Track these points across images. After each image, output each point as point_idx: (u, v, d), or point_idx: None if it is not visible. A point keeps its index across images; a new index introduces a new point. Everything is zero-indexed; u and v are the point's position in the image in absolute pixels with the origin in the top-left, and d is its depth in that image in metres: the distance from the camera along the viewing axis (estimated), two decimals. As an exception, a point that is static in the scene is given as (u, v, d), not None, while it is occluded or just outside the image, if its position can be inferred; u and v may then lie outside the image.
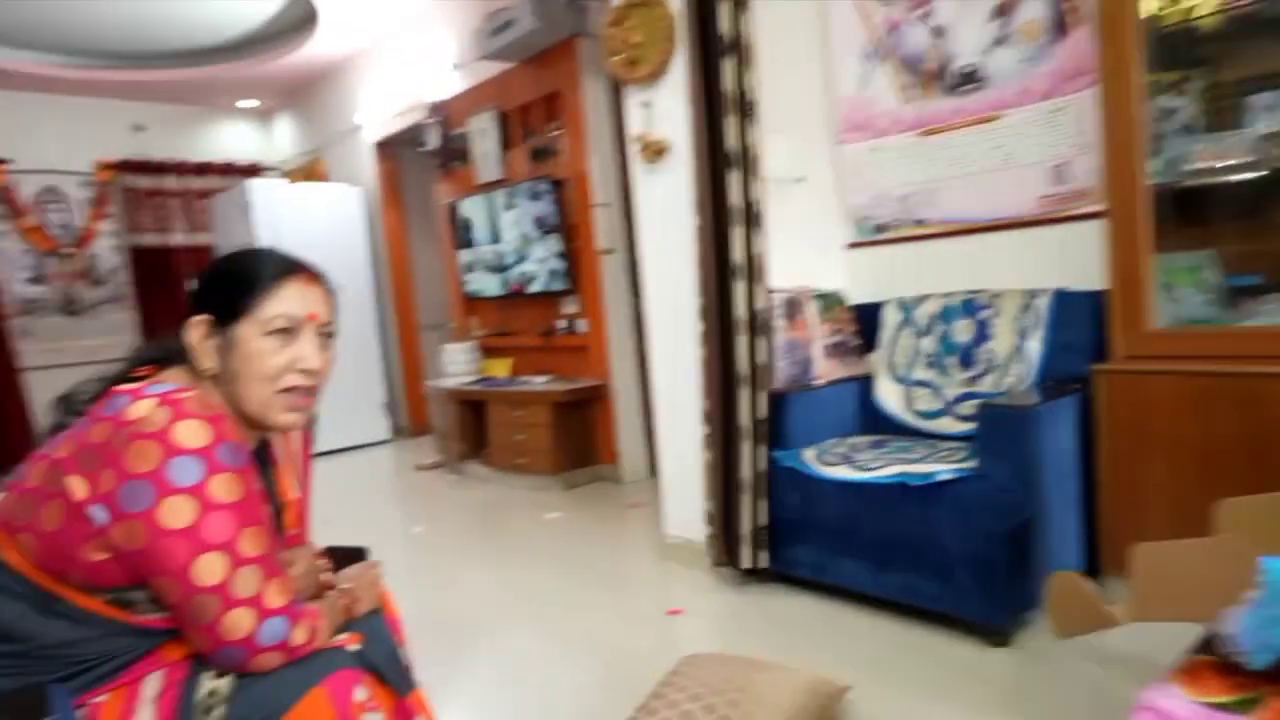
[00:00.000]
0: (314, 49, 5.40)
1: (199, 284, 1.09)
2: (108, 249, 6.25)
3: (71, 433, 0.95)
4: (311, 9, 4.82)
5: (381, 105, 5.49)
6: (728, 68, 2.32)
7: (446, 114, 4.81)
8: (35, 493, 0.92)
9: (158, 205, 6.34)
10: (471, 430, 4.65)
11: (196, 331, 1.04)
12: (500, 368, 4.80)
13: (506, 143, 4.44)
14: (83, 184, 6.10)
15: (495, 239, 4.52)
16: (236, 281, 1.05)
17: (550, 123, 4.18)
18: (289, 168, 6.80)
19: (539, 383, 4.28)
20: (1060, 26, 2.34)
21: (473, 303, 4.98)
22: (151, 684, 0.97)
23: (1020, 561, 2.01)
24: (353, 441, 5.79)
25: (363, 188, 5.90)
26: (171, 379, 1.02)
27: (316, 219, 5.62)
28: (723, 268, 2.44)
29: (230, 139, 6.85)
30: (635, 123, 2.73)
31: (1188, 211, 2.19)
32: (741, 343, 2.43)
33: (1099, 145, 2.15)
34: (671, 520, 2.91)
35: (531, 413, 4.12)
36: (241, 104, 6.73)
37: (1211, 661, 0.98)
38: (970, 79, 2.55)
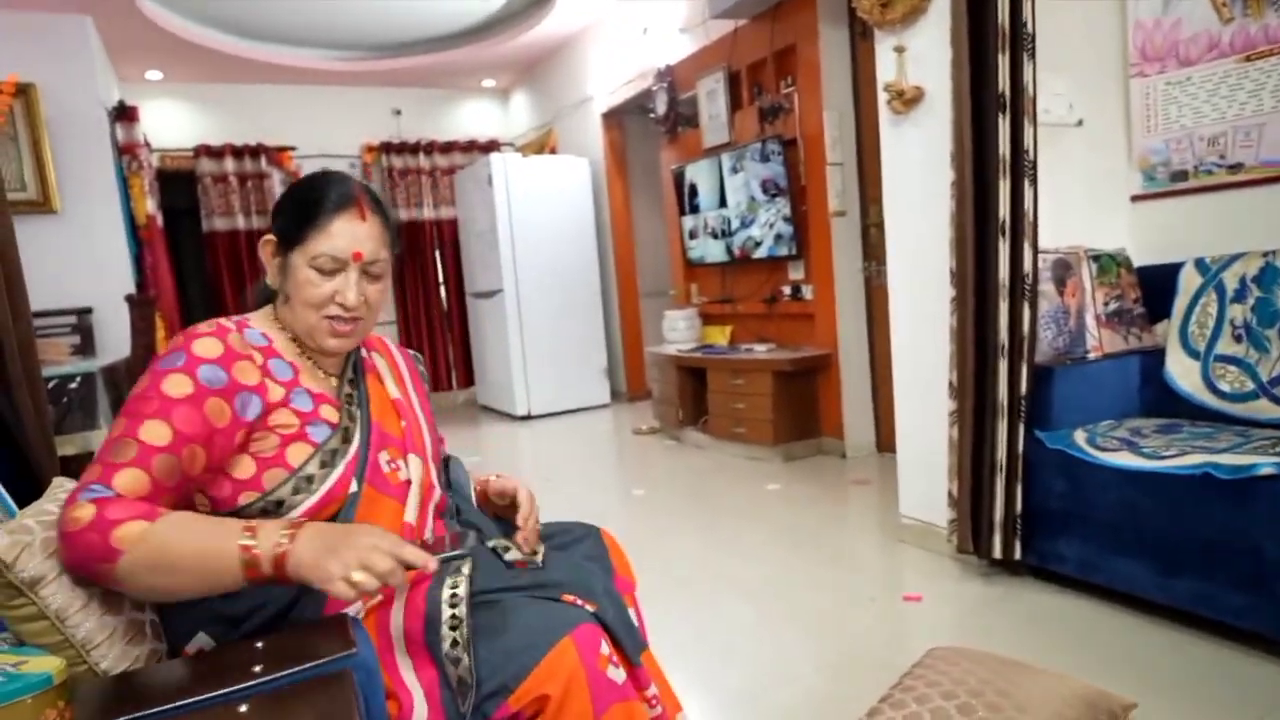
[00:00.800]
0: (547, 26, 5.63)
1: (278, 203, 1.16)
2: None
3: None
4: (548, -15, 5.01)
5: (610, 75, 5.61)
6: (1001, -3, 2.06)
7: (674, 78, 4.81)
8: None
9: (411, 182, 6.97)
10: (690, 397, 4.67)
11: (265, 250, 1.14)
12: (720, 335, 4.77)
13: (735, 104, 4.35)
14: (351, 166, 6.84)
15: (721, 204, 4.46)
16: (299, 209, 1.11)
17: (782, 80, 4.03)
18: (523, 142, 7.19)
19: (760, 351, 4.20)
20: None
21: (695, 269, 4.98)
22: (401, 593, 1.03)
23: (1371, 580, 1.63)
24: (574, 405, 6.06)
25: (590, 158, 6.09)
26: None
27: (547, 190, 5.90)
28: (983, 226, 2.20)
29: (472, 117, 7.36)
30: (886, 70, 2.52)
31: None
32: (1002, 310, 2.18)
33: None
34: (907, 500, 2.72)
35: (752, 381, 4.05)
36: (484, 84, 7.20)
37: None
38: (1321, -14, 2.08)
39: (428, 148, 6.99)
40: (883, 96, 2.52)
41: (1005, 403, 2.21)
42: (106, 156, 4.65)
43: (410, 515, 1.12)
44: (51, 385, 2.88)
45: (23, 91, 4.21)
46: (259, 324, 1.13)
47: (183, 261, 7.76)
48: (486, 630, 0.99)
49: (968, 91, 2.16)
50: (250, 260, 6.37)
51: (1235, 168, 2.31)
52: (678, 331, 4.84)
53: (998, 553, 2.26)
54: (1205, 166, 2.37)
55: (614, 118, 5.93)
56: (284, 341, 1.13)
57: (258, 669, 0.85)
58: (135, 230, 5.03)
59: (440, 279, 7.08)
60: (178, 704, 0.80)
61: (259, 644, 0.92)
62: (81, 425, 2.95)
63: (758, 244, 4.26)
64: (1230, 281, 2.22)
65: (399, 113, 6.98)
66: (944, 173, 2.30)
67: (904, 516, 2.72)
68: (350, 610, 1.01)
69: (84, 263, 4.44)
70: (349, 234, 1.10)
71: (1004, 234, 2.16)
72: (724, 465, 4.09)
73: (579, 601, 1.05)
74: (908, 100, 2.44)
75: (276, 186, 6.52)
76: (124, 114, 4.99)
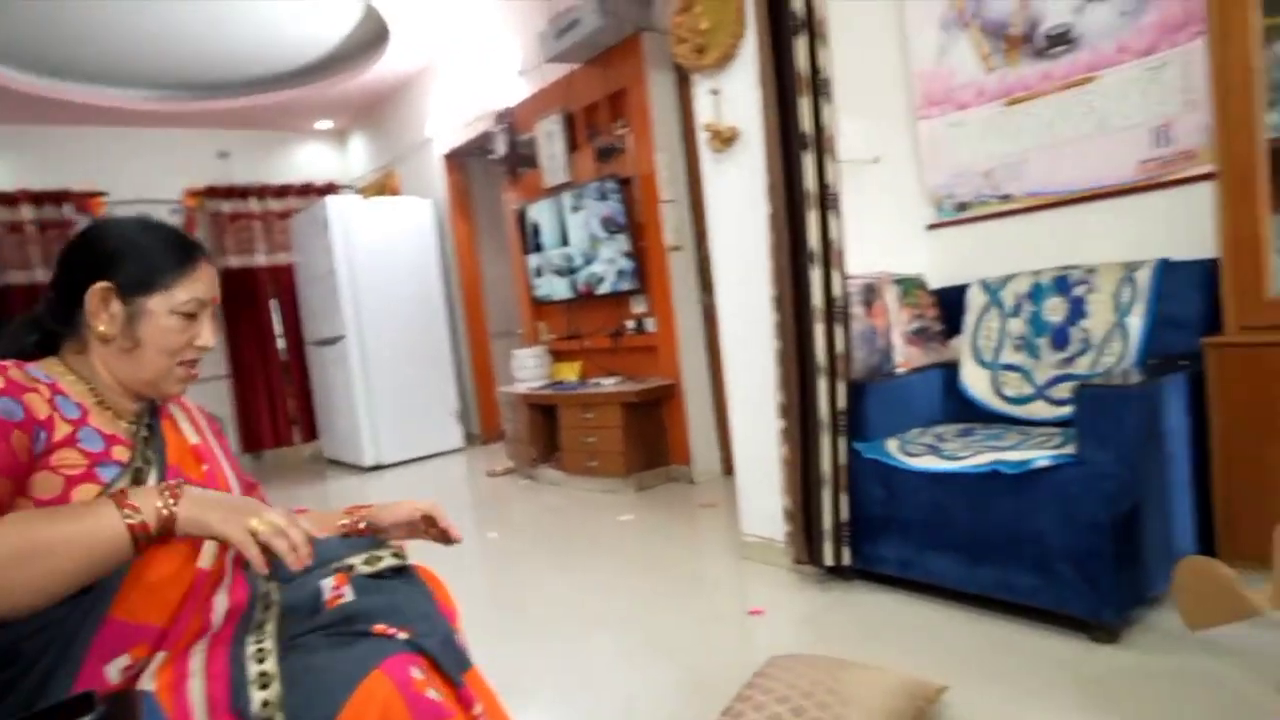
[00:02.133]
0: (384, 67, 5.55)
1: (96, 249, 1.08)
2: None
3: None
4: (383, 27, 4.95)
5: (450, 117, 5.59)
6: (800, 46, 2.24)
7: (513, 120, 4.86)
8: None
9: (241, 228, 6.60)
10: (543, 435, 4.65)
11: (98, 297, 1.05)
12: (570, 371, 4.80)
13: (572, 145, 4.45)
14: (172, 211, 6.40)
15: (563, 242, 4.52)
16: (149, 257, 1.08)
17: (615, 121, 4.17)
18: (362, 184, 7.00)
19: (609, 384, 4.25)
20: (1160, -24, 2.19)
21: (542, 307, 5.00)
22: (198, 657, 0.96)
23: (1127, 552, 1.85)
24: (426, 451, 5.87)
25: (433, 199, 6.02)
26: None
27: (390, 232, 5.76)
28: (797, 255, 2.35)
29: (308, 160, 7.10)
30: (704, 111, 2.67)
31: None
32: (819, 332, 2.34)
33: (1207, 101, 1.99)
34: (748, 518, 2.82)
35: (602, 415, 4.09)
36: (319, 125, 6.97)
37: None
38: (1060, 40, 2.41)
39: (259, 192, 6.66)
40: (703, 136, 2.67)
41: (827, 418, 2.35)
42: None
43: (205, 561, 1.05)
44: None
45: None
46: (38, 367, 1.05)
47: (-28, 318, 6.94)
48: (292, 680, 0.94)
49: (777, 131, 2.33)
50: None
51: (1006, 198, 2.61)
52: (527, 370, 4.83)
53: (829, 560, 2.39)
54: (982, 198, 2.66)
55: (455, 159, 5.89)
56: (70, 382, 1.05)
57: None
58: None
59: (277, 328, 6.72)
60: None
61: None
62: None
63: (601, 280, 4.34)
64: (1008, 299, 2.48)
65: (226, 155, 6.62)
66: (762, 206, 2.45)
67: (746, 534, 2.82)
68: (143, 683, 0.93)
69: None
70: (210, 278, 1.12)
71: (816, 262, 2.32)
72: (578, 500, 4.09)
73: (391, 631, 1.01)
74: (725, 139, 2.59)
75: (85, 234, 5.98)
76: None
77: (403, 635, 1.01)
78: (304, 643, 0.99)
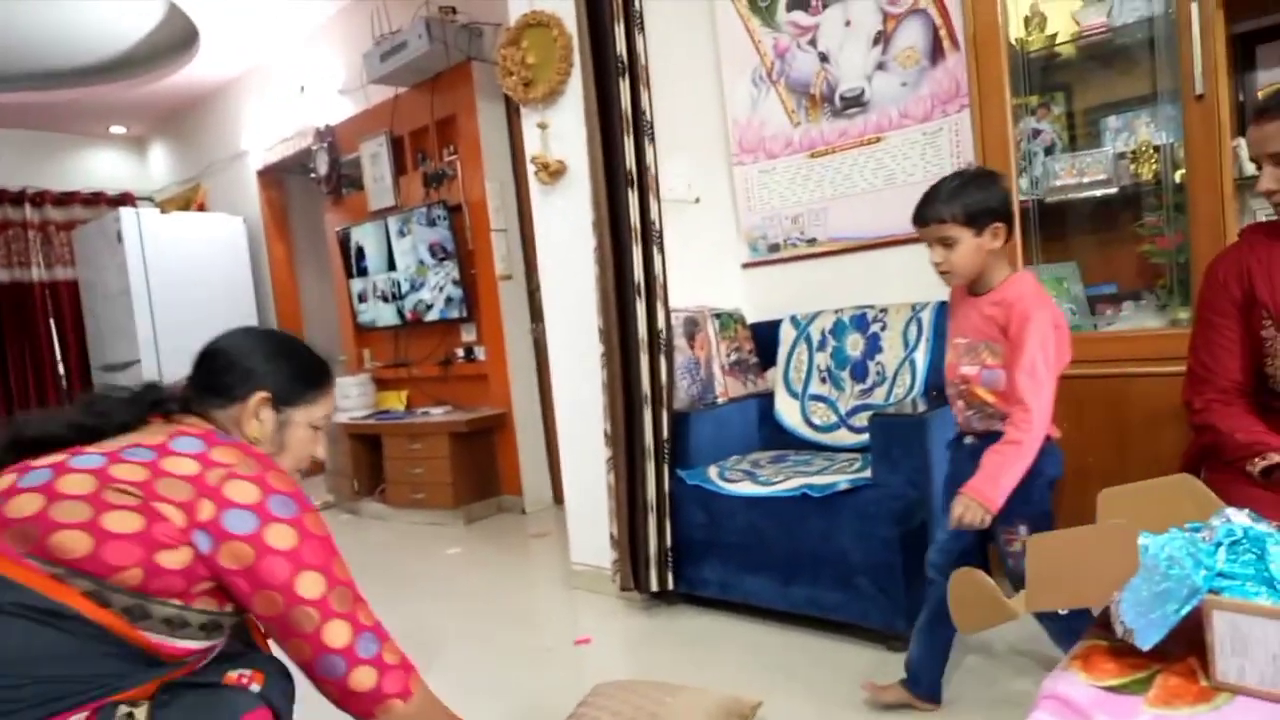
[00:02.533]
0: (193, 72, 5.14)
1: (248, 358, 1.21)
2: None
3: (122, 458, 1.01)
4: (192, 29, 4.59)
5: (267, 131, 5.25)
6: (624, 88, 2.32)
7: (335, 139, 4.64)
8: (91, 500, 0.96)
9: (13, 237, 5.85)
10: (366, 466, 4.43)
11: (259, 405, 1.18)
12: (396, 400, 4.62)
13: (400, 168, 4.31)
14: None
15: (390, 266, 4.36)
16: (305, 374, 1.24)
17: (445, 147, 4.10)
18: (164, 197, 6.41)
19: (438, 414, 4.13)
20: (935, 53, 2.47)
21: (366, 333, 4.79)
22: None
23: (916, 565, 2.03)
24: (237, 484, 5.40)
25: (245, 217, 5.61)
26: (198, 427, 1.13)
27: (195, 251, 5.30)
28: (622, 288, 2.41)
29: (99, 167, 6.41)
30: (532, 144, 2.69)
31: (1052, 226, 2.33)
32: (643, 363, 2.40)
33: (975, 164, 2.26)
34: (577, 548, 2.83)
35: (430, 445, 3.96)
36: (113, 129, 6.31)
37: (1106, 645, 0.99)
38: (855, 103, 2.65)
39: (36, 198, 5.93)
40: (531, 168, 2.68)
41: (652, 446, 2.41)
42: None
43: None
44: None
45: None
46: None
47: None
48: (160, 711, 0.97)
49: (602, 167, 2.38)
50: None
51: (811, 241, 2.82)
52: (350, 399, 4.59)
53: (654, 586, 2.44)
54: (791, 240, 2.86)
55: (272, 175, 5.54)
56: None
57: None
58: None
59: (57, 351, 5.97)
60: None
61: None
62: None
63: (429, 307, 4.22)
64: (815, 334, 2.68)
65: (-7, 155, 5.85)
66: (589, 239, 2.49)
67: (575, 564, 2.83)
68: None
69: None
70: (333, 401, 1.29)
71: (640, 294, 2.39)
72: (404, 534, 3.92)
73: (243, 679, 1.08)
74: (553, 172, 2.62)
75: None
76: None
77: (255, 686, 1.10)
78: (168, 697, 1.00)
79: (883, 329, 2.51)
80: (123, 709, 0.94)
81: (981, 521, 1.49)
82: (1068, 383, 2.05)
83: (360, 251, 4.52)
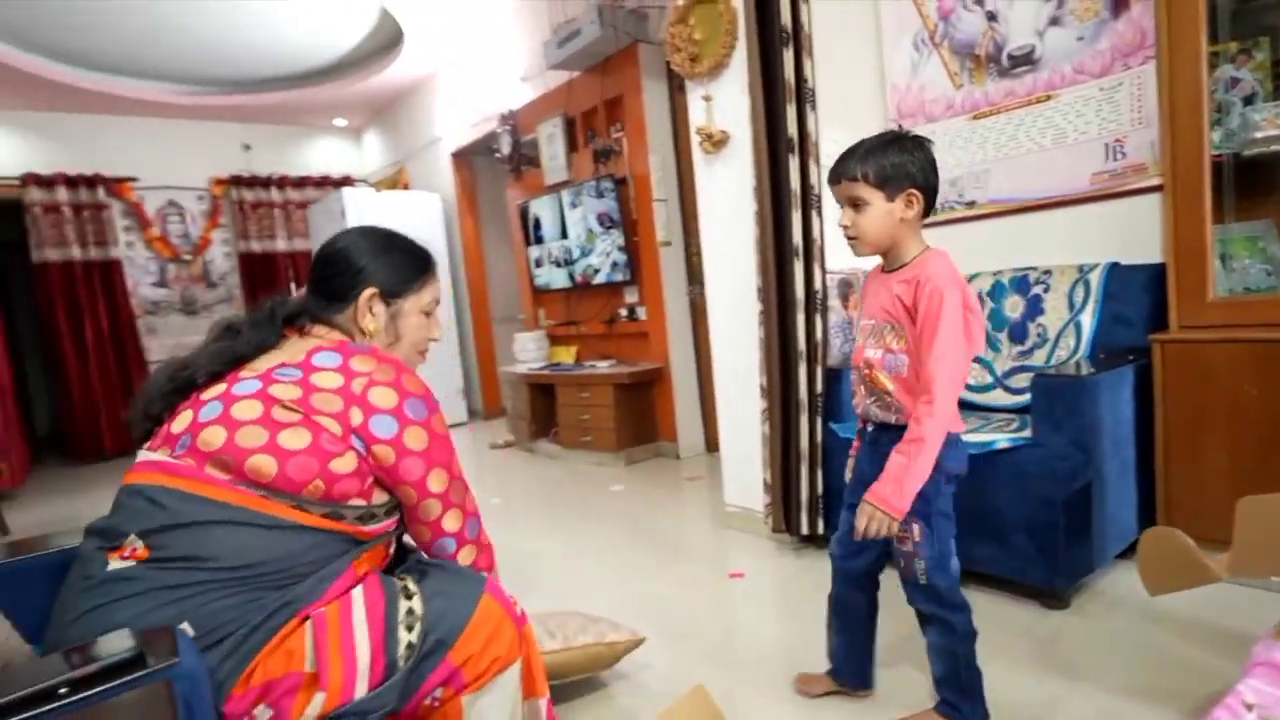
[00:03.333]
0: (396, 70, 5.44)
1: (354, 259, 1.18)
2: (220, 255, 6.43)
3: (275, 378, 1.04)
4: (398, 31, 4.85)
5: (457, 118, 5.50)
6: (787, 58, 2.21)
7: (516, 122, 4.78)
8: (263, 423, 1.00)
9: (263, 215, 6.49)
10: (541, 411, 4.62)
11: (370, 301, 1.18)
12: (566, 354, 4.76)
13: (572, 146, 4.38)
14: (199, 198, 6.28)
15: (562, 235, 4.47)
16: (415, 264, 1.22)
17: (612, 125, 4.11)
18: (376, 179, 6.89)
19: (603, 367, 4.23)
20: (1118, 3, 2.17)
21: (541, 295, 4.96)
22: (358, 600, 1.00)
23: (1078, 527, 1.86)
24: (434, 423, 5.81)
25: (441, 194, 5.93)
26: (330, 336, 1.15)
27: (400, 223, 5.45)
28: (781, 250, 2.33)
29: (325, 154, 6.98)
30: (697, 116, 2.63)
31: (1246, 182, 2.00)
32: (799, 321, 2.32)
33: (1156, 119, 1.98)
34: (731, 490, 2.81)
35: (596, 394, 4.06)
36: (336, 122, 6.84)
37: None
38: (1024, 61, 2.39)
39: (280, 182, 6.55)
40: (695, 139, 2.63)
41: (806, 400, 2.34)
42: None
43: None
44: None
45: None
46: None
47: (9, 291, 6.80)
48: (430, 594, 1.05)
49: (764, 135, 2.30)
50: (88, 290, 5.67)
51: (971, 204, 2.60)
52: (528, 352, 4.79)
53: (805, 529, 2.39)
54: (949, 204, 2.65)
55: (463, 157, 5.81)
56: None
57: (64, 690, 0.73)
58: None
59: (296, 309, 6.63)
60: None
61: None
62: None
63: (597, 271, 4.30)
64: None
65: (249, 148, 6.49)
66: (749, 204, 2.42)
67: (728, 505, 2.82)
68: None
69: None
70: (438, 281, 1.28)
71: (798, 256, 2.30)
72: (573, 472, 4.07)
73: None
74: (716, 142, 2.55)
75: (116, 217, 5.86)
76: (-66, 140, 4.31)
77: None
78: (423, 569, 1.11)
79: (1045, 291, 2.28)
80: (403, 604, 1.02)
81: (889, 530, 1.27)
82: (1253, 348, 1.80)
83: (537, 222, 4.66)
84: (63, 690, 0.73)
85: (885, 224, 1.31)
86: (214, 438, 0.99)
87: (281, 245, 6.53)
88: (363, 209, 5.48)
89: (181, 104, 5.58)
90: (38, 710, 0.71)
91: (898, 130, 1.37)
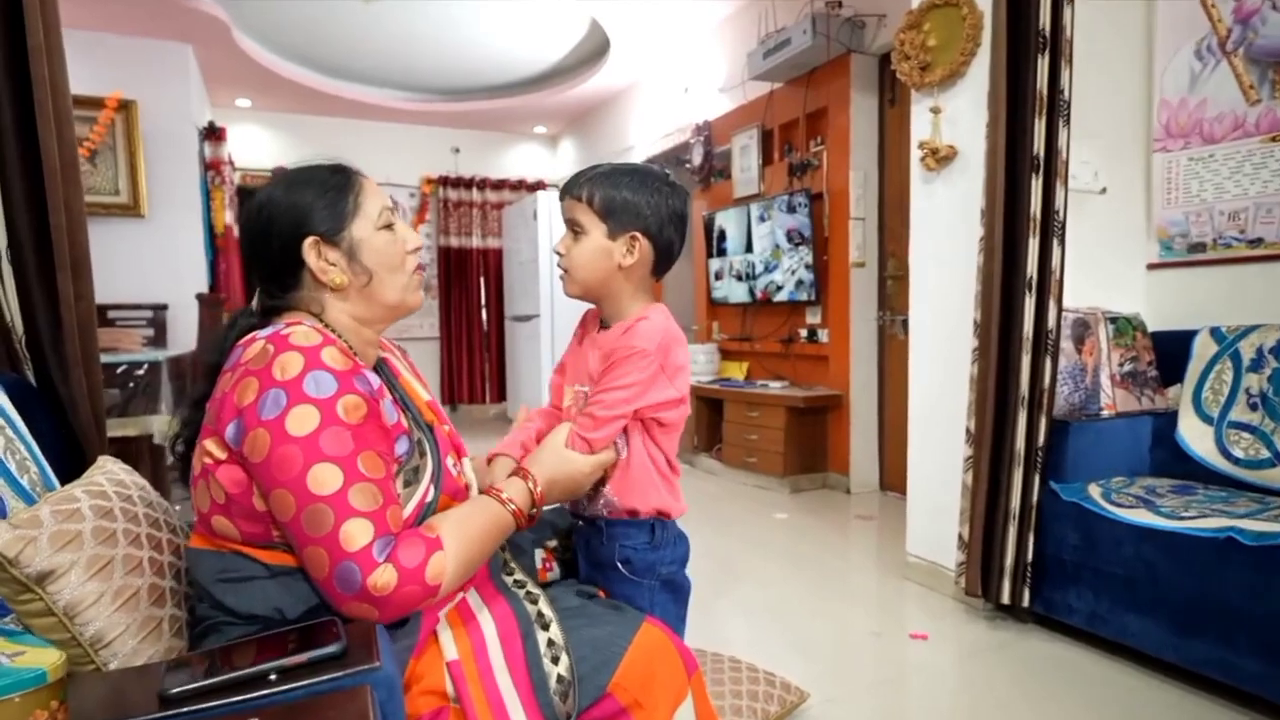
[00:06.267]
0: (596, 81, 5.59)
1: (275, 219, 0.94)
2: (424, 249, 6.93)
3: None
4: (605, 42, 4.97)
5: (652, 128, 5.55)
6: (1041, 65, 1.94)
7: (710, 133, 4.73)
8: (200, 478, 0.87)
9: (463, 214, 6.93)
10: (706, 425, 4.52)
11: (314, 251, 0.94)
12: (737, 370, 4.63)
13: (766, 159, 4.25)
14: (410, 195, 6.82)
15: (747, 249, 4.35)
16: (323, 196, 0.95)
17: (812, 139, 3.93)
18: (567, 184, 7.14)
19: (775, 387, 4.04)
20: None
21: (717, 308, 4.86)
22: (471, 595, 0.97)
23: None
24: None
25: (627, 202, 6.00)
26: (290, 320, 0.92)
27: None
28: (1011, 281, 2.05)
29: (523, 159, 7.34)
30: (921, 129, 2.40)
31: None
32: (1024, 362, 2.03)
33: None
34: (915, 539, 2.54)
35: (766, 415, 3.89)
36: (536, 129, 7.18)
37: None
38: (1358, 70, 1.95)
39: (480, 184, 6.96)
40: (916, 154, 2.40)
41: (1023, 453, 2.05)
42: (193, 170, 4.63)
43: None
44: (120, 370, 2.79)
45: (124, 107, 4.20)
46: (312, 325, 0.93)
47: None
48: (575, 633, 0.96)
49: (1003, 151, 2.03)
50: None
51: (1255, 242, 2.16)
52: (698, 364, 4.70)
53: (1006, 598, 2.08)
54: (1224, 240, 2.22)
55: (652, 166, 5.85)
56: (344, 346, 0.95)
57: (273, 677, 0.71)
58: (213, 238, 4.99)
59: (483, 302, 7.01)
60: (177, 712, 0.66)
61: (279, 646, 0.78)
62: (144, 409, 2.85)
63: (779, 288, 4.13)
64: (1247, 351, 2.05)
65: (458, 150, 6.96)
66: (972, 228, 2.17)
67: (910, 555, 2.55)
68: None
69: (164, 264, 4.39)
70: (375, 184, 1.02)
71: (1030, 290, 2.01)
72: (734, 492, 3.92)
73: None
74: (941, 158, 2.31)
75: (343, 208, 6.48)
76: (213, 134, 4.98)
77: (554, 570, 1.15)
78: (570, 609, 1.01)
79: (1359, 354, 1.84)
80: (541, 634, 0.93)
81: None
82: None
83: (722, 234, 4.57)
84: (273, 677, 0.71)
85: (599, 263, 1.12)
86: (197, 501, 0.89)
87: (476, 243, 6.94)
88: (554, 212, 5.68)
89: (403, 109, 6.10)
90: (248, 695, 0.68)
91: (655, 168, 1.16)
